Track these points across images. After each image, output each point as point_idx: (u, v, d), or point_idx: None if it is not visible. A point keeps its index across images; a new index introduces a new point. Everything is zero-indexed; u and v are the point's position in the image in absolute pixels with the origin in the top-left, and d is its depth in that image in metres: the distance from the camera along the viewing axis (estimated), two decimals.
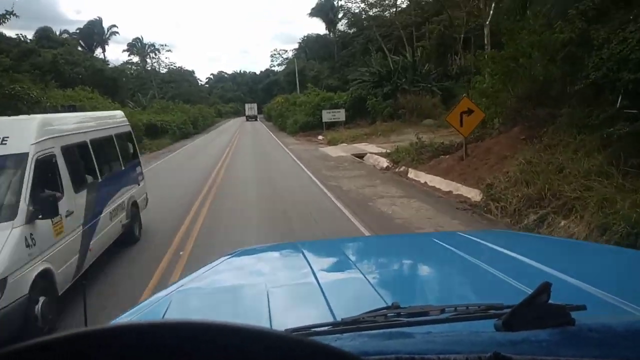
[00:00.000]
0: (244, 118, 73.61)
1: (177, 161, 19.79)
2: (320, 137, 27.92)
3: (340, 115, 29.31)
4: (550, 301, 0.76)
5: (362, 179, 11.98)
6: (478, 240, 2.00)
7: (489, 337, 0.70)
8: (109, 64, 40.34)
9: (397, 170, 13.57)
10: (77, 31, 71.95)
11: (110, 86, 37.32)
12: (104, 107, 25.81)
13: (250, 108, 72.94)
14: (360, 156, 17.39)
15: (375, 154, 16.93)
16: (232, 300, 1.45)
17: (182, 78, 76.72)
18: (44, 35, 44.08)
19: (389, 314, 0.92)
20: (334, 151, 19.09)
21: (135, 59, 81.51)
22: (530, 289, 0.77)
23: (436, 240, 2.09)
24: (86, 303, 1.76)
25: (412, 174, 12.50)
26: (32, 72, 34.06)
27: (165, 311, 1.30)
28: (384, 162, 14.96)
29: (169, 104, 39.78)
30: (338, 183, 11.38)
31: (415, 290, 1.52)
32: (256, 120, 69.36)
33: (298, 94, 42.23)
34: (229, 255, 1.99)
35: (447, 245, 1.88)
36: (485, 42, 28.25)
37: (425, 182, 11.39)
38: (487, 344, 0.63)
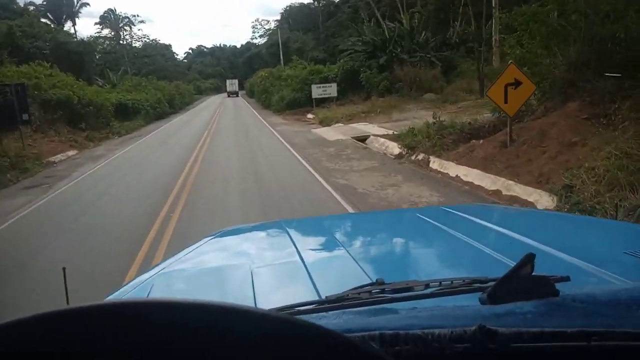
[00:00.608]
0: (226, 94, 71.48)
1: (145, 148, 16.95)
2: (310, 116, 25.14)
3: (332, 90, 26.48)
4: (534, 273, 0.75)
5: (377, 173, 9.35)
6: (462, 214, 1.97)
7: (474, 310, 0.70)
8: (75, 37, 36.45)
9: (413, 158, 11.01)
10: (44, 2, 67.32)
11: (75, 61, 33.72)
12: (65, 85, 22.67)
13: (232, 84, 71.39)
14: (362, 139, 14.77)
15: (380, 136, 14.32)
16: (216, 282, 1.42)
17: (157, 52, 72.33)
18: (1, 5, 39.82)
19: (373, 290, 0.92)
20: (329, 133, 16.40)
21: (108, 32, 77.24)
22: (514, 262, 0.76)
23: (420, 216, 2.04)
24: (67, 287, 1.31)
25: (435, 164, 9.96)
26: None
27: (148, 294, 1.26)
28: (395, 148, 12.37)
29: (141, 80, 36.29)
30: (348, 180, 8.74)
31: (400, 266, 1.48)
32: (237, 96, 67.28)
33: (283, 68, 39.06)
34: (212, 235, 1.96)
35: (431, 220, 1.86)
36: (493, 4, 25.60)
37: (458, 176, 8.87)
38: (472, 318, 0.62)
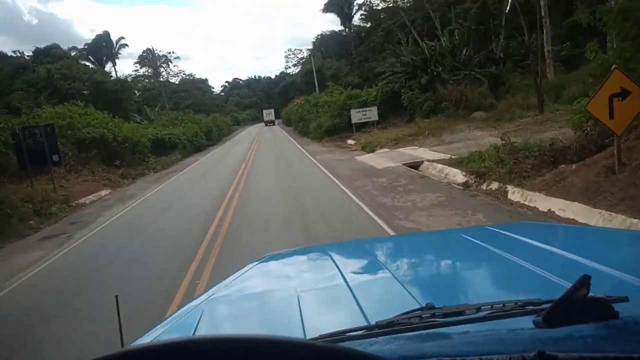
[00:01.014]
0: (263, 124, 74.13)
1: (179, 186, 15.87)
2: (350, 142, 23.73)
3: (372, 114, 25.08)
4: (590, 294, 0.72)
5: (449, 210, 7.63)
6: (507, 233, 1.93)
7: (530, 335, 0.68)
8: (111, 76, 36.87)
9: (485, 188, 9.26)
10: (85, 46, 69.99)
11: (112, 100, 33.91)
12: (100, 123, 22.22)
13: (268, 114, 74.95)
14: (415, 166, 13.14)
15: (436, 161, 12.65)
16: (264, 307, 1.44)
17: (194, 87, 73.41)
18: (42, 51, 40.98)
19: (423, 315, 0.91)
20: (377, 160, 14.85)
21: (144, 70, 79.38)
22: (565, 281, 0.75)
23: (465, 236, 2.01)
24: (120, 317, 1.37)
25: (516, 195, 8.20)
26: (26, 90, 30.99)
27: (198, 321, 1.27)
28: (458, 175, 10.68)
29: (178, 115, 36.09)
30: (415, 222, 7.02)
31: (448, 289, 1.43)
32: (274, 124, 69.49)
33: (319, 94, 38.11)
34: (257, 261, 1.98)
35: (476, 241, 1.82)
36: (542, 14, 23.78)
37: (551, 211, 7.09)
38: (529, 342, 0.61)
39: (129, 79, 76.63)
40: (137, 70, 77.16)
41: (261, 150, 26.12)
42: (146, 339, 1.23)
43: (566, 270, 1.16)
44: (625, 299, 0.79)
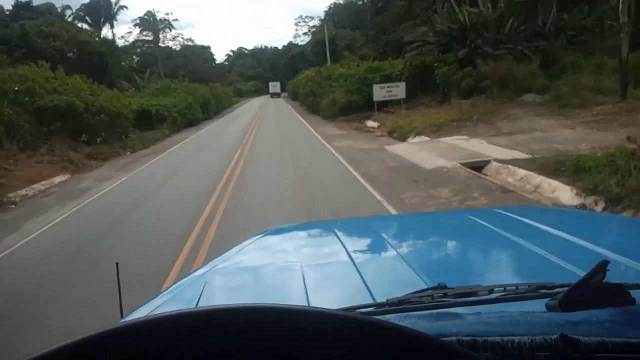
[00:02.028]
0: (267, 96, 71.98)
1: (153, 175, 11.98)
2: (371, 124, 19.71)
3: (399, 91, 20.94)
4: (605, 280, 0.72)
5: None
6: (517, 217, 1.85)
7: (547, 318, 0.68)
8: (96, 36, 32.51)
9: (620, 212, 5.45)
10: (82, 7, 65.18)
11: (97, 64, 29.74)
12: (71, 89, 18.21)
13: (274, 86, 73.53)
14: (479, 167, 9.25)
15: (509, 163, 8.77)
16: (267, 281, 1.40)
17: (194, 54, 68.68)
18: (24, 5, 36.48)
19: (435, 295, 0.90)
20: (418, 154, 10.90)
21: (145, 34, 74.51)
22: (576, 267, 0.74)
23: (473, 218, 1.92)
24: (120, 285, 1.32)
25: None
26: None
27: (202, 291, 1.22)
28: (563, 191, 6.87)
29: (169, 82, 31.84)
30: None
31: (456, 270, 1.40)
32: (279, 97, 67.12)
33: (332, 66, 33.77)
34: (259, 234, 1.94)
35: (485, 223, 1.76)
36: None
37: None
38: (546, 325, 0.61)
39: (127, 43, 72.62)
40: (132, 32, 71.83)
41: (263, 130, 21.95)
42: (143, 312, 1.08)
43: (578, 256, 1.12)
44: None
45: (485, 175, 8.88)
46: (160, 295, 1.31)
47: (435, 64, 22.11)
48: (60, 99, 16.77)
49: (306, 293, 1.13)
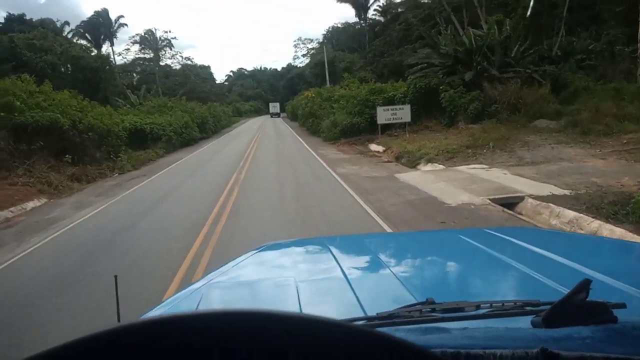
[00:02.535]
0: (266, 116, 73.70)
1: (137, 203, 10.77)
2: (375, 148, 18.66)
3: (404, 114, 19.94)
4: (588, 299, 0.74)
5: None
6: (506, 237, 1.95)
7: (531, 333, 0.69)
8: (91, 51, 31.61)
9: None
10: (82, 24, 64.78)
11: (91, 80, 28.76)
12: (57, 105, 17.10)
13: (274, 106, 75.94)
14: (509, 203, 8.10)
15: (550, 201, 7.60)
16: (262, 295, 1.41)
17: (192, 73, 68.09)
18: (17, 18, 35.65)
19: (423, 309, 0.92)
20: (436, 185, 9.74)
21: (144, 53, 74.07)
22: (562, 286, 0.76)
23: (463, 237, 1.99)
24: (118, 296, 1.37)
25: None
26: None
27: (197, 305, 1.24)
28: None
29: (166, 101, 30.82)
30: None
31: (445, 286, 1.46)
32: (279, 117, 68.89)
33: (332, 87, 32.93)
34: (255, 250, 1.98)
35: (474, 242, 1.83)
36: None
37: None
38: (529, 340, 0.62)
39: (126, 61, 72.02)
40: (130, 49, 71.32)
41: (261, 151, 20.85)
42: None
43: (564, 275, 1.15)
44: (624, 306, 0.80)
45: (520, 214, 7.71)
46: (156, 308, 1.27)
47: (441, 87, 21.19)
48: (42, 115, 15.64)
49: (300, 307, 1.13)
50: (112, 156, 18.94)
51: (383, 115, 19.80)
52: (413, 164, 13.56)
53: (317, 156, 17.12)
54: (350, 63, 53.63)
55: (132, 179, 14.94)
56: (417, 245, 2.15)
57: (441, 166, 12.28)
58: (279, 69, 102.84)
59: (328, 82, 44.49)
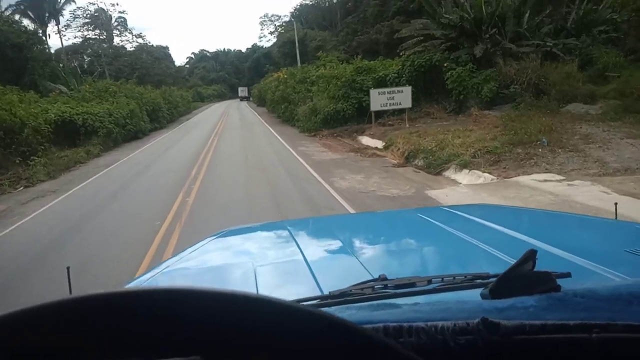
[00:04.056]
0: (230, 102, 70.45)
1: (26, 246, 6.45)
2: (369, 142, 14.69)
3: (404, 98, 15.93)
4: (535, 269, 0.77)
5: None
6: (463, 214, 2.00)
7: (476, 305, 0.70)
8: (15, 25, 26.03)
9: None
10: (22, 0, 57.62)
11: (12, 58, 23.49)
12: None
13: (242, 90, 73.97)
14: None
15: None
16: (219, 280, 1.41)
17: (149, 54, 62.08)
18: None
19: (376, 286, 0.94)
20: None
21: (95, 34, 67.26)
22: (515, 260, 0.78)
23: (421, 216, 2.04)
24: (71, 288, 1.34)
25: None
26: None
27: None
28: None
29: (108, 85, 25.71)
30: None
31: (402, 263, 1.49)
32: (248, 99, 65.53)
33: (306, 67, 28.56)
34: (214, 235, 1.93)
35: (432, 220, 1.88)
36: None
37: None
38: (474, 312, 0.63)
39: (76, 43, 65.08)
40: (70, 24, 64.37)
41: (224, 149, 16.33)
42: None
43: (515, 248, 1.13)
44: (568, 275, 0.84)
45: None
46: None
47: (445, 64, 17.29)
48: None
49: (257, 291, 1.08)
50: (30, 158, 14.26)
51: (378, 99, 15.75)
52: (437, 170, 9.64)
53: (298, 156, 12.89)
54: (323, 42, 49.27)
55: (35, 197, 10.33)
56: (377, 225, 2.17)
57: (489, 176, 8.36)
58: (244, 50, 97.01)
59: (299, 62, 40.06)
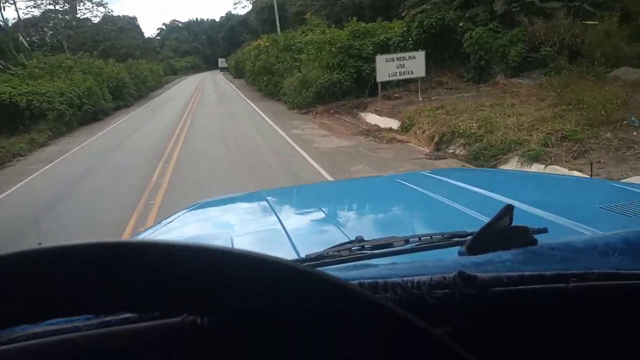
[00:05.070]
0: (205, 74, 67.33)
1: None
2: (379, 120, 12.02)
3: (416, 65, 13.11)
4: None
5: None
6: (441, 177, 2.02)
7: (453, 261, 0.69)
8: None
9: None
10: None
11: None
12: None
13: (222, 62, 68.33)
14: None
15: None
16: None
17: (115, 26, 57.35)
18: None
19: (353, 248, 0.93)
20: None
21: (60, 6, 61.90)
22: (489, 217, 0.77)
23: (400, 181, 2.02)
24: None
25: None
26: None
27: None
28: None
29: (61, 59, 22.08)
30: None
31: (379, 226, 1.50)
32: (227, 71, 59.67)
33: (290, 33, 25.31)
34: (191, 206, 1.87)
35: (410, 185, 1.87)
36: None
37: None
38: (451, 267, 0.61)
39: (35, 15, 59.74)
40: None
41: (198, 133, 13.32)
42: None
43: (493, 208, 1.07)
44: (545, 230, 0.85)
45: None
46: None
47: (460, 24, 14.51)
48: None
49: None
50: None
51: (385, 68, 12.92)
52: (492, 163, 7.04)
53: (294, 144, 10.06)
54: (303, 7, 45.61)
55: None
56: (355, 191, 2.16)
57: (580, 175, 5.77)
58: (218, 19, 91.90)
59: (279, 29, 36.66)
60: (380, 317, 0.38)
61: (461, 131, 8.40)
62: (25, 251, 0.33)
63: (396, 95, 14.61)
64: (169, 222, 1.69)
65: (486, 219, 1.04)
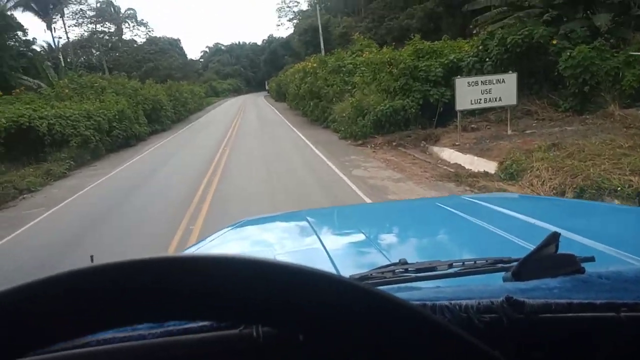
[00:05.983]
0: (245, 97, 66.16)
1: None
2: (457, 158, 9.50)
3: (507, 91, 10.51)
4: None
5: None
6: (481, 202, 1.98)
7: (499, 287, 0.68)
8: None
9: None
10: None
11: None
12: None
13: (267, 84, 66.83)
14: None
15: None
16: None
17: (159, 48, 57.39)
18: None
19: (396, 270, 0.92)
20: None
21: (103, 27, 62.97)
22: (533, 244, 0.76)
23: (440, 205, 1.99)
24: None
25: None
26: None
27: None
28: None
29: (94, 80, 20.69)
30: None
31: (422, 249, 1.49)
32: (268, 93, 59.06)
33: (339, 53, 23.21)
34: (231, 225, 1.90)
35: (451, 209, 1.82)
36: None
37: None
38: (497, 292, 0.61)
39: (82, 37, 60.89)
40: (85, 24, 60.01)
41: (238, 172, 11.17)
42: None
43: (537, 236, 1.06)
44: (592, 259, 0.82)
45: None
46: None
47: (554, 41, 11.90)
48: None
49: None
50: None
51: (467, 93, 10.41)
52: None
53: (357, 190, 7.59)
54: (347, 28, 43.90)
55: None
56: (395, 214, 2.16)
57: None
58: (259, 42, 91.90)
59: (323, 51, 34.88)
60: (441, 338, 0.38)
61: (601, 184, 5.80)
62: (99, 266, 0.34)
63: (473, 126, 12.09)
64: (212, 240, 1.70)
65: (529, 246, 0.98)
